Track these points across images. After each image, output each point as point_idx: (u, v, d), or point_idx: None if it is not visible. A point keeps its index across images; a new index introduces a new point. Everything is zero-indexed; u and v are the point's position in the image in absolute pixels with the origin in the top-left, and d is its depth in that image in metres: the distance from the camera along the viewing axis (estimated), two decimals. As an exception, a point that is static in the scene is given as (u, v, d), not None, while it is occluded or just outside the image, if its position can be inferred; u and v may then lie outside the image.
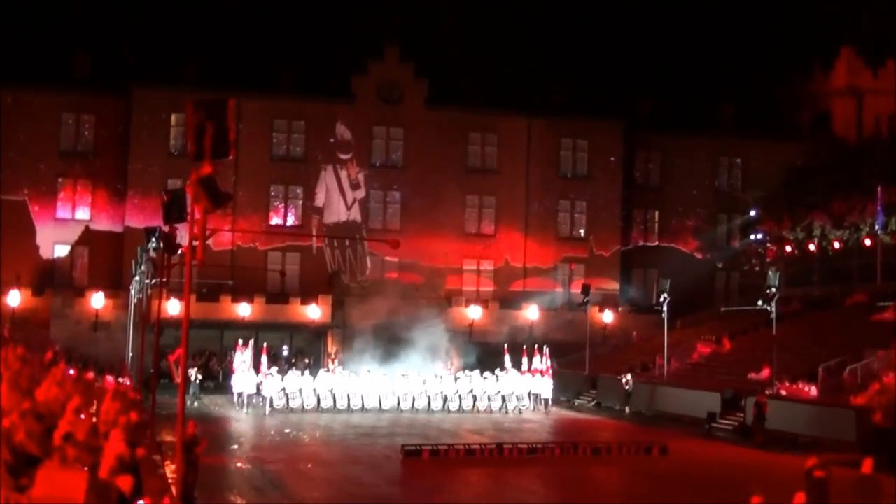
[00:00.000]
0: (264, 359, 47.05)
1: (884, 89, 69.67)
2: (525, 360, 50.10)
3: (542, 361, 50.13)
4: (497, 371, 49.71)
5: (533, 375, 49.72)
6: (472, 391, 48.86)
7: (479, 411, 47.95)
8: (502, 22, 63.41)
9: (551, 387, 50.06)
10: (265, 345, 48.63)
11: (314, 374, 48.93)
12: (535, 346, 51.32)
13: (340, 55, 63.86)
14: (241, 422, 43.18)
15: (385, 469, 31.87)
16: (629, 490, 30.50)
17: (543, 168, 67.02)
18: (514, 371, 49.79)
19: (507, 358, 50.28)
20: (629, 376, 50.64)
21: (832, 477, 21.24)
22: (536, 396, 49.80)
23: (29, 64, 59.60)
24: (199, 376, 51.30)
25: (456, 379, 49.48)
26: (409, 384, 48.41)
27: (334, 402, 47.06)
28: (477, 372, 49.89)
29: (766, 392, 42.95)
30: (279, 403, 46.19)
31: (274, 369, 47.72)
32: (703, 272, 67.58)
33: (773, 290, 46.03)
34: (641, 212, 70.04)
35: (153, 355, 32.70)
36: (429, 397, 48.24)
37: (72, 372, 31.25)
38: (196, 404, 46.70)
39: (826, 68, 72.54)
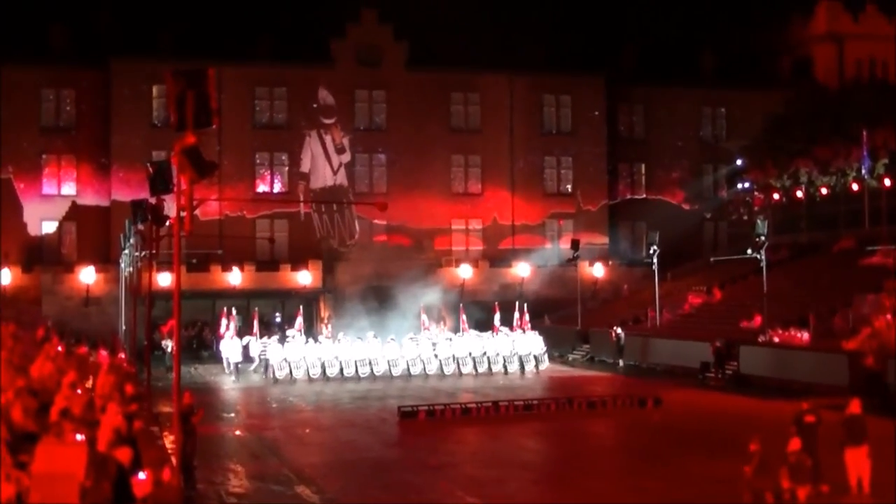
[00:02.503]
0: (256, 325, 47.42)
1: (864, 34, 69.78)
2: (516, 316, 49.84)
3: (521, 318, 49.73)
4: (507, 331, 48.94)
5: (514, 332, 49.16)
6: (484, 352, 47.51)
7: (492, 373, 46.74)
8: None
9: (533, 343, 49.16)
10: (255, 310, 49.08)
11: (307, 339, 47.78)
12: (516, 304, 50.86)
13: (318, 19, 63.42)
14: (237, 390, 43.24)
15: (381, 431, 31.97)
16: (624, 442, 30.66)
17: (527, 125, 67.00)
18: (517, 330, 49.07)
19: (515, 316, 49.93)
20: (619, 329, 50.81)
21: (822, 421, 21.40)
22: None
23: (4, 40, 59.03)
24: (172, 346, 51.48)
25: (467, 340, 48.02)
26: (419, 348, 47.03)
27: (341, 370, 45.56)
28: (489, 333, 48.86)
29: (759, 339, 43.25)
30: (281, 374, 44.88)
31: (275, 338, 47.41)
32: (691, 223, 67.77)
33: (762, 238, 46.17)
34: (627, 165, 70.11)
35: (145, 328, 32.72)
36: (440, 361, 46.77)
37: (60, 349, 31.26)
38: (171, 374, 46.54)
39: (806, 15, 72.46)
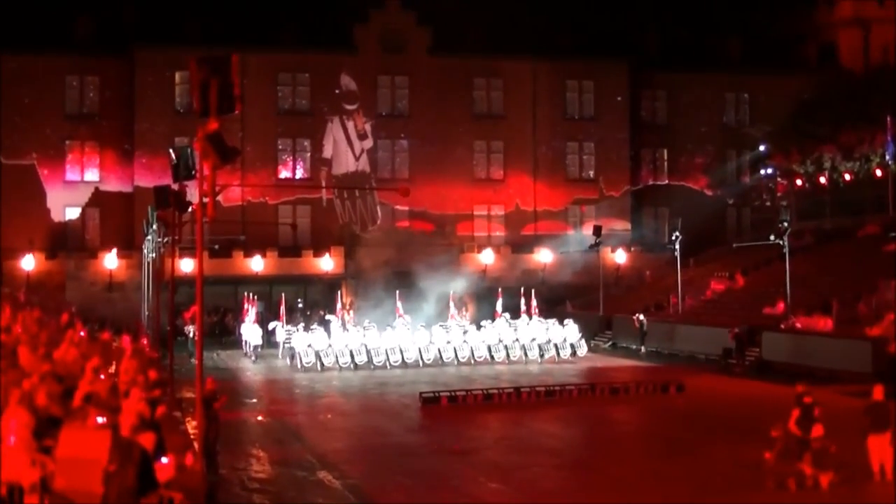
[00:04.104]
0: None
1: (890, 18, 69.05)
2: (523, 302, 49.21)
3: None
4: (541, 318, 48.21)
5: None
6: (517, 339, 46.52)
7: (526, 361, 45.75)
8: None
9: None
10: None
11: (327, 325, 47.15)
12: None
13: (341, 5, 63.28)
14: (260, 376, 43.33)
15: (404, 417, 32.05)
16: (647, 428, 30.68)
17: (550, 110, 66.86)
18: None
19: (521, 302, 49.62)
20: (642, 315, 50.71)
21: (817, 402, 21.38)
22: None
23: (31, 29, 59.32)
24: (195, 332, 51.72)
25: (498, 328, 47.14)
26: (450, 335, 46.10)
27: (369, 358, 44.55)
28: (522, 319, 48.05)
29: (782, 325, 43.17)
30: (308, 361, 43.94)
31: (300, 325, 47.04)
32: (713, 209, 67.47)
33: (785, 224, 46.06)
34: (650, 151, 69.91)
35: (168, 314, 32.82)
36: (471, 348, 45.98)
37: (83, 334, 31.40)
38: (193, 360, 46.32)
39: (831, -1, 72.03)
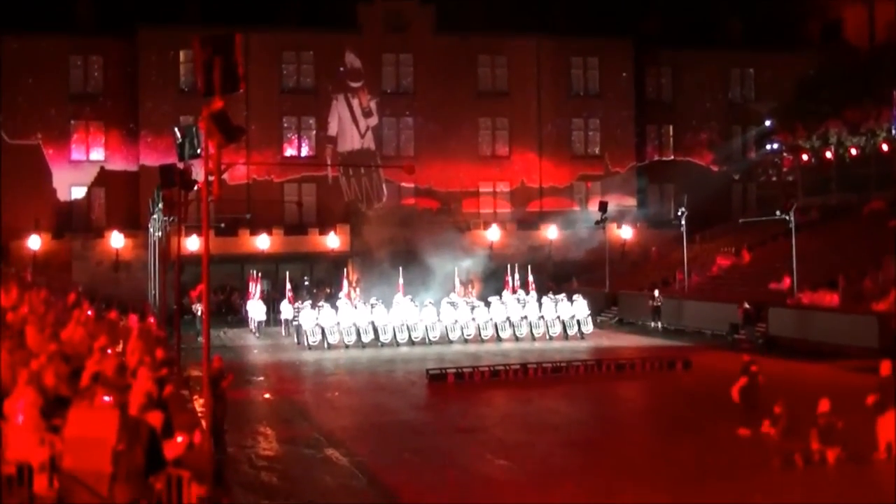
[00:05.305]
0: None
1: (895, -6, 68.80)
2: (517, 278, 48.97)
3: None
4: (551, 295, 47.72)
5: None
6: (525, 317, 45.88)
7: (534, 338, 45.24)
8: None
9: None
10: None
11: (333, 303, 46.89)
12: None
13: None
14: (267, 355, 43.27)
15: (410, 394, 32.06)
16: (653, 405, 30.71)
17: (555, 87, 66.75)
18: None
19: (515, 278, 49.30)
20: (656, 292, 50.68)
21: (762, 371, 22.39)
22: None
23: (31, 9, 59.06)
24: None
25: (506, 305, 46.45)
26: (457, 312, 45.33)
27: (376, 335, 44.04)
28: (519, 294, 47.52)
29: (788, 301, 43.18)
30: (314, 340, 43.63)
31: (307, 303, 46.56)
32: (719, 185, 67.41)
33: (792, 199, 46.02)
34: (655, 127, 69.80)
35: (175, 293, 32.83)
36: (478, 325, 45.34)
37: (90, 314, 31.47)
38: (200, 339, 46.17)
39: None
